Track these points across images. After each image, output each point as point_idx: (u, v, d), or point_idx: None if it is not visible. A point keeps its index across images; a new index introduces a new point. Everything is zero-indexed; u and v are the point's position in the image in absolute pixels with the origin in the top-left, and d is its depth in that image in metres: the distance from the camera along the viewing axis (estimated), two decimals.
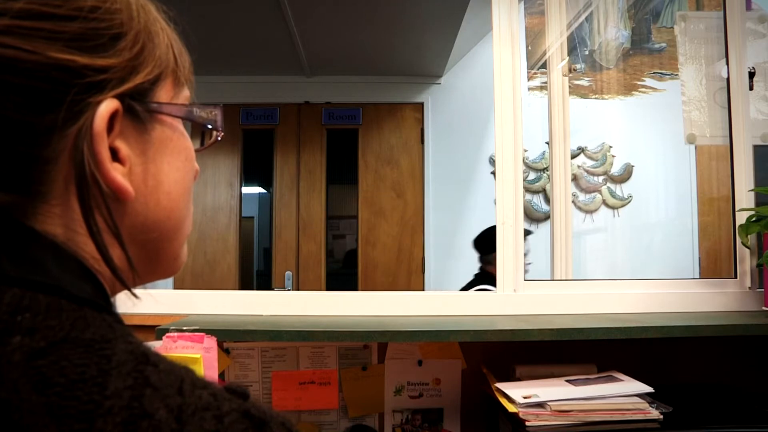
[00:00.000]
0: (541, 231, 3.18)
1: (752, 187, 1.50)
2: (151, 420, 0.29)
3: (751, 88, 1.52)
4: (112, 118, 0.38)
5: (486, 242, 2.72)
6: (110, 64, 0.38)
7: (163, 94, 0.43)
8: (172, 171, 0.44)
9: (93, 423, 0.28)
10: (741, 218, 1.47)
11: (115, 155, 0.39)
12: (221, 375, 1.30)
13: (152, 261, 0.45)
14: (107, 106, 0.37)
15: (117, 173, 0.38)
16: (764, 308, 1.41)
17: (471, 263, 3.30)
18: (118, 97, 0.38)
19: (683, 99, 1.66)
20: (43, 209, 0.36)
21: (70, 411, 0.28)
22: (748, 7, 1.65)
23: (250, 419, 0.33)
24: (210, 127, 0.48)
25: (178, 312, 1.36)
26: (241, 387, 0.36)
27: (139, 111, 0.40)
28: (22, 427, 0.27)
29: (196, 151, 0.49)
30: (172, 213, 0.44)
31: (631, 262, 3.08)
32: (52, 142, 0.36)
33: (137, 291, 0.42)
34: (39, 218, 0.36)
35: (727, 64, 1.53)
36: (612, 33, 3.12)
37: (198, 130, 0.49)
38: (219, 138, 0.48)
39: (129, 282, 0.41)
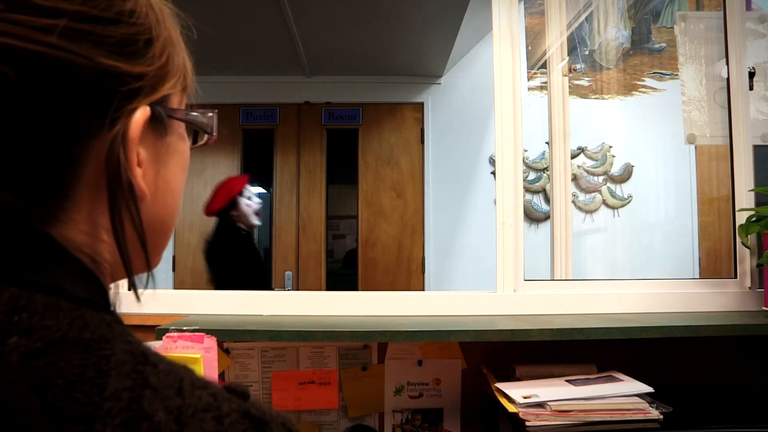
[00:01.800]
0: (541, 231, 3.18)
1: (752, 187, 1.50)
2: (151, 422, 0.29)
3: (751, 88, 1.52)
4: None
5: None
6: (145, 71, 0.39)
7: (175, 100, 0.44)
8: (176, 173, 0.45)
9: (92, 425, 0.28)
10: (741, 218, 1.47)
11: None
12: (221, 375, 1.30)
13: (145, 257, 0.45)
14: (143, 113, 0.38)
15: (139, 177, 0.40)
16: (764, 308, 1.41)
17: (471, 263, 3.30)
18: (150, 104, 0.39)
19: (683, 99, 1.66)
20: (66, 211, 0.37)
21: (69, 413, 0.28)
22: (748, 7, 1.65)
23: (250, 420, 0.32)
24: (208, 132, 0.49)
25: (178, 312, 1.36)
26: (241, 387, 0.36)
27: (164, 119, 0.42)
28: (19, 429, 0.27)
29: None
30: (173, 213, 0.46)
31: (631, 262, 3.08)
32: (87, 147, 0.36)
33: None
34: (60, 220, 0.36)
35: (727, 64, 1.53)
36: (612, 33, 3.12)
37: (191, 130, 0.49)
38: (211, 141, 0.49)
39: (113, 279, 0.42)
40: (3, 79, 0.32)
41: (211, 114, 0.48)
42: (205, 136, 0.49)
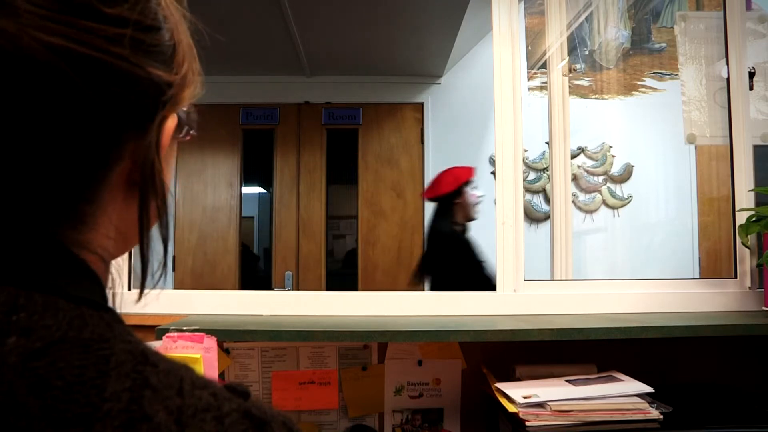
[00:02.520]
0: (541, 231, 3.18)
1: (752, 187, 1.50)
2: (151, 423, 0.29)
3: (751, 88, 1.52)
4: None
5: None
6: (174, 80, 0.39)
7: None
8: (170, 171, 0.46)
9: (91, 427, 0.27)
10: (741, 218, 1.47)
11: None
12: (221, 375, 1.30)
13: (123, 250, 0.45)
14: (173, 121, 0.40)
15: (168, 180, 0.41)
16: (764, 308, 1.41)
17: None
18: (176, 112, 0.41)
19: (683, 99, 1.66)
20: (90, 215, 0.37)
21: (68, 414, 0.27)
22: (748, 7, 1.65)
23: (250, 419, 0.32)
24: (192, 128, 0.49)
25: (178, 312, 1.36)
26: (241, 386, 0.35)
27: (183, 125, 0.43)
28: (18, 430, 0.27)
29: None
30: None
31: (631, 262, 3.08)
32: (122, 152, 0.37)
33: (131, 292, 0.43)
34: (84, 225, 0.37)
35: (727, 64, 1.53)
36: (612, 33, 3.12)
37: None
38: (188, 138, 0.50)
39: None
40: (68, 83, 0.32)
41: (193, 111, 0.49)
42: (185, 131, 0.49)
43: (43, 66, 0.31)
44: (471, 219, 2.62)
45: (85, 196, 0.36)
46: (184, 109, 0.47)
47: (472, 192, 2.62)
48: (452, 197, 2.59)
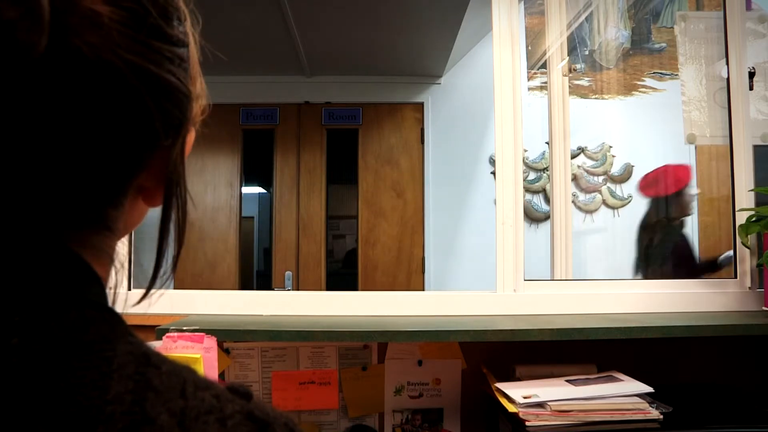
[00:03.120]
0: (541, 231, 3.18)
1: (752, 187, 1.50)
2: (154, 425, 0.28)
3: (751, 88, 1.52)
4: None
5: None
6: (193, 91, 0.41)
7: None
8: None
9: (94, 429, 0.27)
10: (741, 218, 1.47)
11: None
12: (221, 375, 1.30)
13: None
14: (192, 132, 0.42)
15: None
16: (764, 308, 1.41)
17: (471, 263, 3.30)
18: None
19: (683, 99, 1.66)
20: (112, 220, 0.38)
21: (71, 417, 0.27)
22: (748, 7, 1.65)
23: (253, 421, 0.32)
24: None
25: (178, 312, 1.36)
26: (243, 387, 0.35)
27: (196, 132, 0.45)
28: None
29: None
30: None
31: (631, 262, 3.08)
32: (149, 161, 0.38)
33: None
34: (110, 230, 0.38)
35: (727, 64, 1.53)
36: (612, 33, 3.12)
37: None
38: None
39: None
40: (137, 98, 0.34)
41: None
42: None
43: (118, 80, 0.33)
44: (687, 215, 2.78)
45: (113, 202, 0.38)
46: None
47: (691, 191, 2.76)
48: (673, 196, 2.76)
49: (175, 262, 0.43)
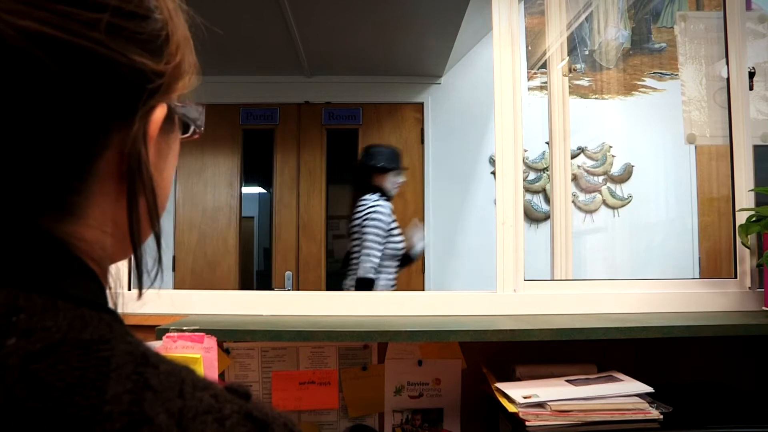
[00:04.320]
0: (541, 231, 3.18)
1: (752, 187, 1.50)
2: (152, 425, 0.28)
3: (751, 88, 1.52)
4: None
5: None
6: (164, 69, 0.38)
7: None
8: (169, 167, 0.45)
9: (92, 429, 0.27)
10: (741, 218, 1.47)
11: None
12: (221, 375, 1.30)
13: (127, 249, 0.45)
14: (162, 111, 0.39)
15: (156, 173, 0.40)
16: (764, 308, 1.41)
17: (471, 263, 3.30)
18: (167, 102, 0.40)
19: (683, 99, 1.66)
20: (79, 207, 0.36)
21: (68, 417, 0.27)
22: (748, 7, 1.65)
23: (252, 421, 0.32)
24: (198, 126, 0.48)
25: (178, 312, 1.36)
26: (242, 387, 0.35)
27: (174, 116, 0.42)
28: None
29: None
30: (162, 204, 0.45)
31: (631, 262, 3.09)
32: (108, 142, 0.36)
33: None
34: (72, 216, 0.36)
35: (727, 64, 1.53)
36: (612, 33, 3.12)
37: (181, 123, 0.49)
38: (196, 136, 0.49)
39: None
40: (42, 68, 0.32)
41: (201, 108, 0.48)
42: (193, 130, 0.48)
43: (15, 51, 0.31)
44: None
45: (72, 187, 0.36)
46: (193, 109, 0.47)
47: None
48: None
49: (159, 257, 0.41)
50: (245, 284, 3.94)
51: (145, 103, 0.37)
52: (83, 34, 0.33)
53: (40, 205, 0.35)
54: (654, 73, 3.18)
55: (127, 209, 0.38)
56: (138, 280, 0.40)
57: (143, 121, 0.37)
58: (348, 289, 2.71)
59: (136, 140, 0.37)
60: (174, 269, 3.47)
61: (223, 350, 1.30)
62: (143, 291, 0.41)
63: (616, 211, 3.19)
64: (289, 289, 3.45)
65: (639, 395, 1.07)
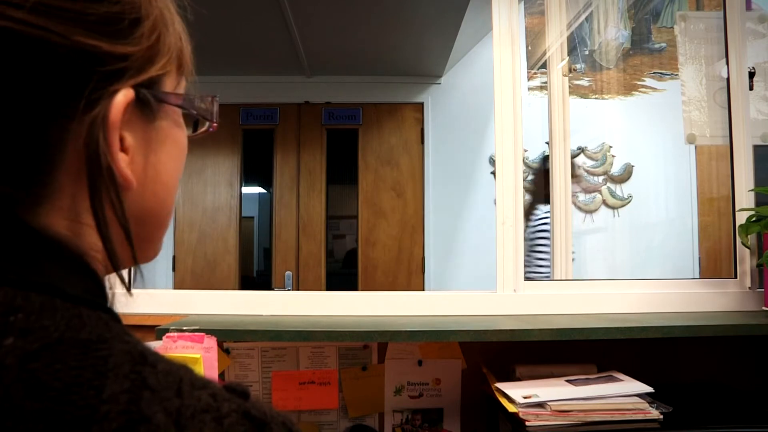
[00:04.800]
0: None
1: (752, 187, 1.50)
2: (149, 425, 0.28)
3: (751, 88, 1.52)
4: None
5: None
6: (130, 52, 0.37)
7: (169, 84, 0.42)
8: (169, 162, 0.43)
9: (89, 429, 0.27)
10: (741, 218, 1.47)
11: (121, 144, 0.38)
12: (221, 375, 1.30)
13: (138, 249, 0.43)
14: (124, 95, 0.36)
15: (123, 163, 0.37)
16: (764, 308, 1.41)
17: (471, 263, 3.30)
18: (133, 86, 0.37)
19: (683, 99, 1.66)
20: (48, 198, 0.35)
21: (66, 417, 0.27)
22: (748, 7, 1.65)
23: (250, 420, 0.32)
24: (207, 118, 0.46)
25: (178, 312, 1.36)
26: (241, 386, 0.35)
27: (151, 102, 0.39)
28: None
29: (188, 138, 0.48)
30: (165, 203, 0.43)
31: (631, 262, 3.08)
32: (64, 130, 0.35)
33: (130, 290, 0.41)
34: (42, 208, 0.35)
35: (727, 64, 1.53)
36: (612, 33, 3.12)
37: (192, 119, 0.47)
38: (212, 129, 0.47)
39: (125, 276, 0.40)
40: None
41: (210, 99, 0.45)
42: (206, 124, 0.46)
43: None
44: None
45: (39, 181, 0.35)
46: (195, 98, 0.45)
47: None
48: None
49: (133, 255, 0.39)
50: (245, 284, 3.94)
51: (100, 86, 0.35)
52: (8, 15, 0.31)
53: (12, 198, 0.34)
54: (654, 73, 3.18)
55: (91, 206, 0.36)
56: (118, 275, 0.39)
57: (104, 106, 0.35)
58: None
59: (92, 126, 0.35)
60: (174, 269, 3.48)
61: (223, 350, 1.30)
62: (130, 287, 0.40)
63: (616, 211, 3.19)
64: (289, 289, 3.45)
65: (639, 395, 1.06)
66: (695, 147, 2.16)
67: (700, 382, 1.32)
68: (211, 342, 1.05)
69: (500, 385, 1.12)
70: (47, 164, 0.35)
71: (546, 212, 2.64)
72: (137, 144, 0.39)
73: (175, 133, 0.43)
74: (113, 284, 0.40)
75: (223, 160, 3.60)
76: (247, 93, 3.54)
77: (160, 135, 0.41)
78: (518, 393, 1.06)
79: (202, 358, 1.02)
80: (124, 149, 0.38)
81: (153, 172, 0.41)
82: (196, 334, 1.04)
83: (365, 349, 1.34)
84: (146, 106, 0.39)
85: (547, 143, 1.98)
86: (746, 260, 1.47)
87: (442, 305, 1.41)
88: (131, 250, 0.39)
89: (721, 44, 1.58)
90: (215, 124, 0.47)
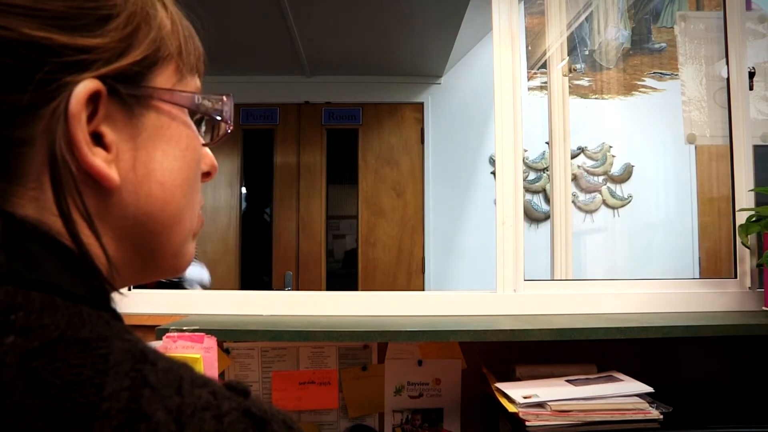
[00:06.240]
0: (541, 231, 3.18)
1: (752, 187, 1.50)
2: (150, 422, 0.28)
3: (751, 88, 1.52)
4: (96, 100, 0.36)
5: None
6: (94, 44, 0.36)
7: (162, 80, 0.41)
8: (166, 160, 0.41)
9: (90, 426, 0.27)
10: (741, 218, 1.47)
11: (100, 140, 0.37)
12: (221, 375, 1.30)
13: (151, 257, 0.43)
14: (85, 86, 0.35)
15: (98, 159, 0.37)
16: (764, 308, 1.41)
17: (471, 263, 3.30)
18: (103, 78, 0.37)
19: (683, 99, 1.66)
20: (19, 193, 0.35)
21: (66, 414, 0.27)
22: (748, 7, 1.65)
23: (250, 418, 0.32)
24: (218, 118, 0.45)
25: (178, 312, 1.36)
26: (241, 384, 0.35)
27: (124, 94, 0.38)
28: (16, 431, 0.26)
29: (206, 145, 0.47)
30: (167, 205, 0.42)
31: (631, 262, 3.08)
32: (26, 123, 0.35)
33: (122, 289, 0.41)
34: (14, 202, 0.35)
35: (727, 64, 1.53)
36: (612, 33, 3.12)
37: (207, 122, 0.46)
38: (228, 130, 0.46)
39: (112, 278, 0.39)
40: None
41: (218, 98, 0.44)
42: (222, 126, 0.45)
43: None
44: None
45: (12, 175, 0.35)
46: (209, 104, 0.44)
47: None
48: None
49: (107, 257, 0.38)
50: (245, 284, 3.94)
51: (54, 78, 0.35)
52: None
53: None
54: (654, 73, 3.18)
55: (53, 195, 0.35)
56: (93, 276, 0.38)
57: (65, 99, 0.35)
58: None
59: (52, 117, 0.35)
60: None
61: (223, 350, 1.30)
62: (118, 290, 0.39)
63: (616, 211, 3.19)
64: (289, 289, 3.45)
65: (639, 395, 1.06)
66: (695, 147, 2.16)
67: (700, 382, 1.32)
68: (211, 342, 1.05)
69: (500, 385, 1.12)
70: (14, 157, 0.35)
71: None
72: (122, 140, 0.39)
73: (173, 131, 0.42)
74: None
75: (223, 160, 3.60)
76: (248, 93, 3.54)
77: (149, 131, 0.40)
78: (518, 393, 1.06)
79: (202, 358, 1.02)
80: (104, 145, 0.37)
81: (144, 171, 0.40)
82: (196, 334, 1.04)
83: (365, 349, 1.34)
84: (123, 100, 0.38)
85: (547, 143, 1.98)
86: (746, 260, 1.47)
87: (442, 305, 1.41)
88: (101, 248, 0.38)
89: (721, 44, 1.58)
90: (230, 125, 0.46)
